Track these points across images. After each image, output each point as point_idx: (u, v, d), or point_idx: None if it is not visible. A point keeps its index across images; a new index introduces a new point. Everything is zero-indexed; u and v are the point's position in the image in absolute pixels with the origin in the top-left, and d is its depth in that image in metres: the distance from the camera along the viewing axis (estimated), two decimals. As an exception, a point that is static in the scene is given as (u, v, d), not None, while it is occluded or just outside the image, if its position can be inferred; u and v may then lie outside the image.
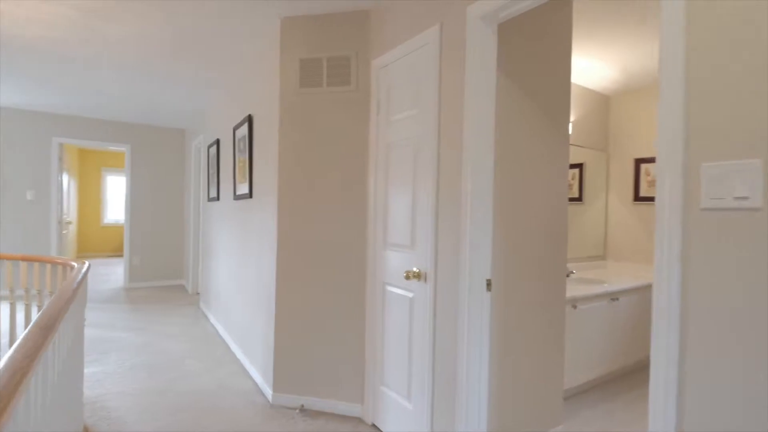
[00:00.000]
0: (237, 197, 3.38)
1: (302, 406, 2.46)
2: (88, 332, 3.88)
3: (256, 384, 2.81)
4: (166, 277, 6.29)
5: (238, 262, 3.41)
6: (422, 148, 1.95)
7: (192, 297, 5.48)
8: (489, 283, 1.69)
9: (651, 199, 3.55)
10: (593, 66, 3.17)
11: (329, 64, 2.43)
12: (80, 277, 1.88)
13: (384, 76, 2.26)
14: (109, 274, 7.10)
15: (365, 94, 2.41)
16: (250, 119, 3.05)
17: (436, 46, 1.84)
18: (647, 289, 3.10)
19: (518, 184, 1.94)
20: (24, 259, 2.48)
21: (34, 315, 3.50)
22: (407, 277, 1.93)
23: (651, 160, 3.57)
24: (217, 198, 4.13)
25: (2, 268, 5.09)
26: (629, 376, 3.03)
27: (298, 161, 2.48)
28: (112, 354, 3.32)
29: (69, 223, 6.73)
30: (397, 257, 2.11)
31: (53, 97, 4.65)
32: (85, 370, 2.97)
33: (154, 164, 6.20)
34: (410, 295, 2.00)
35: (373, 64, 2.36)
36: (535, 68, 1.99)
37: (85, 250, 9.37)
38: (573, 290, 2.68)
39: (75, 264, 2.19)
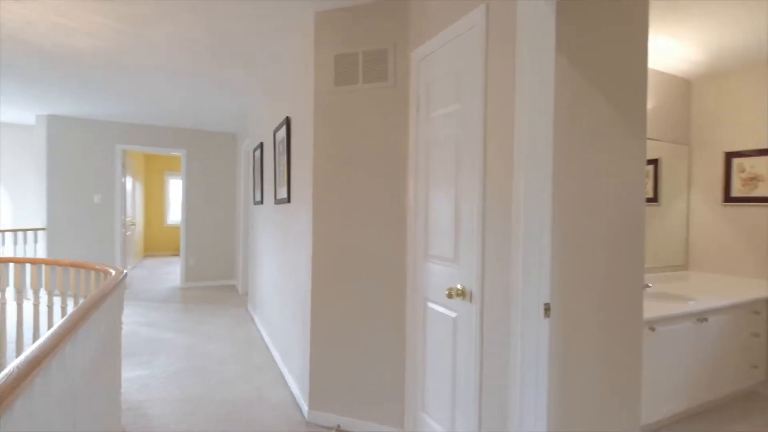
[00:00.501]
0: (277, 201, 3.30)
1: (338, 426, 2.30)
2: (144, 332, 4.01)
3: (293, 396, 2.70)
4: (219, 277, 6.48)
5: (278, 268, 3.34)
6: (465, 147, 1.70)
7: (241, 298, 5.58)
8: (548, 308, 1.41)
9: (746, 199, 3.00)
10: (671, 46, 2.72)
11: (365, 59, 2.24)
12: (109, 286, 1.85)
13: (424, 68, 2.04)
14: (169, 274, 7.46)
15: (403, 89, 2.20)
16: (287, 121, 2.95)
17: (482, 29, 1.59)
18: (743, 307, 2.61)
19: (583, 187, 1.63)
20: (58, 264, 2.55)
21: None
22: (449, 296, 1.69)
23: (746, 154, 3.02)
24: (261, 202, 4.11)
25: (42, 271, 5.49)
26: (720, 411, 2.56)
27: (333, 164, 2.32)
28: (161, 356, 3.39)
29: (132, 224, 7.15)
30: (439, 271, 1.88)
31: (114, 107, 4.90)
32: (134, 373, 3.04)
33: (208, 168, 6.40)
34: (453, 314, 1.76)
35: (412, 55, 2.14)
36: (603, 50, 1.67)
37: (150, 250, 9.99)
38: (651, 308, 2.29)
39: (113, 271, 2.19)
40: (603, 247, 1.69)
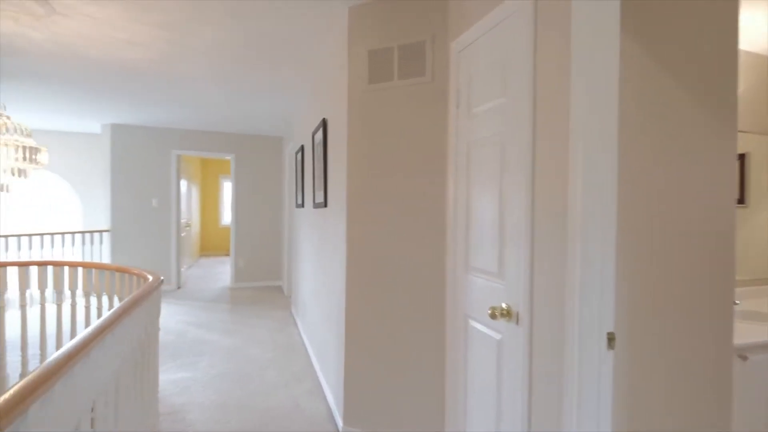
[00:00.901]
0: (315, 205, 3.23)
1: (373, 445, 2.16)
2: (192, 333, 4.12)
3: (329, 408, 2.60)
4: (266, 278, 6.60)
5: (316, 274, 3.27)
6: (511, 145, 1.49)
7: (286, 300, 5.63)
8: (611, 339, 1.18)
9: None
10: (761, 20, 2.30)
11: (401, 54, 2.08)
12: (142, 293, 1.84)
13: (464, 60, 1.84)
14: (221, 273, 7.74)
15: (442, 84, 2.01)
16: (324, 123, 2.86)
17: (530, 11, 1.38)
18: None
19: (657, 189, 1.37)
20: (97, 267, 2.63)
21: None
22: (493, 315, 1.49)
23: None
24: (302, 205, 4.08)
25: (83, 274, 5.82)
26: (830, 456, 2.12)
27: (368, 167, 2.19)
28: (205, 358, 3.44)
29: (188, 226, 7.49)
30: (481, 286, 1.68)
31: (169, 114, 5.11)
32: (178, 375, 3.09)
33: (256, 171, 6.55)
34: (497, 336, 1.56)
35: (451, 47, 1.95)
36: (682, 27, 1.39)
37: (206, 249, 10.47)
38: (741, 332, 1.92)
39: (150, 277, 2.20)
40: (683, 259, 1.41)
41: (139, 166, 5.91)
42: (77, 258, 5.60)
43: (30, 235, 5.05)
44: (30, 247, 5.03)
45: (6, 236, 4.83)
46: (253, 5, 2.27)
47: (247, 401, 2.69)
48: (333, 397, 2.57)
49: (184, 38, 2.70)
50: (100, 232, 5.80)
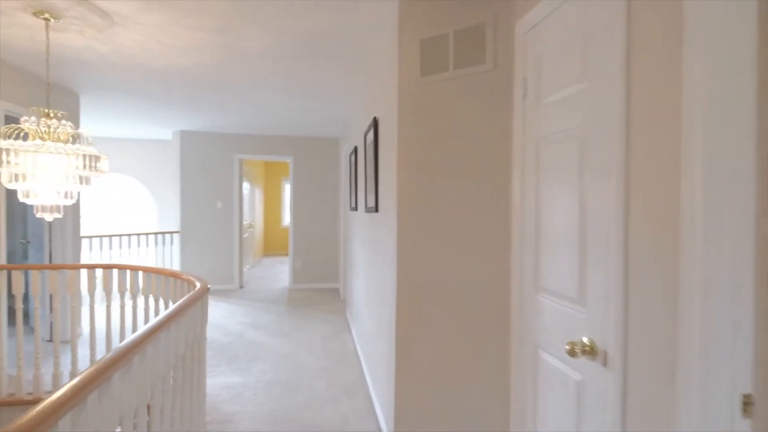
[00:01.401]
0: (367, 209, 3.07)
1: (426, 480, 1.94)
2: (249, 335, 4.16)
3: (379, 429, 2.42)
4: (323, 280, 6.61)
5: (368, 282, 3.11)
6: (595, 139, 1.19)
7: (342, 303, 5.56)
8: (749, 403, 0.85)
9: None
10: None
11: (457, 40, 1.83)
12: (185, 302, 1.78)
13: (532, 42, 1.55)
14: (281, 273, 7.91)
15: (505, 72, 1.74)
16: (375, 123, 2.68)
17: (624, -35, 1.07)
18: None
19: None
20: (152, 272, 2.67)
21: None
22: (572, 352, 1.20)
23: None
24: (356, 208, 3.96)
25: (139, 277, 6.10)
26: None
27: (419, 168, 1.96)
28: (258, 363, 3.42)
29: (250, 227, 7.75)
30: (555, 311, 1.39)
31: (231, 120, 5.26)
32: (231, 380, 3.09)
33: (313, 173, 6.58)
34: (577, 377, 1.26)
35: (516, 28, 1.67)
36: None
37: (269, 249, 10.85)
38: None
39: (198, 284, 2.16)
40: None
41: (204, 170, 6.18)
42: (151, 258, 5.97)
43: (110, 236, 5.45)
44: (110, 247, 5.44)
45: (90, 237, 5.25)
46: (303, 3, 2.15)
47: (295, 413, 2.59)
48: (383, 418, 2.38)
49: (236, 42, 2.66)
50: (171, 233, 6.14)
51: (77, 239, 4.06)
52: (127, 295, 2.85)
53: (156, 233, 6.00)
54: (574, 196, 1.29)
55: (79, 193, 3.50)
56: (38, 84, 3.46)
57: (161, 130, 6.05)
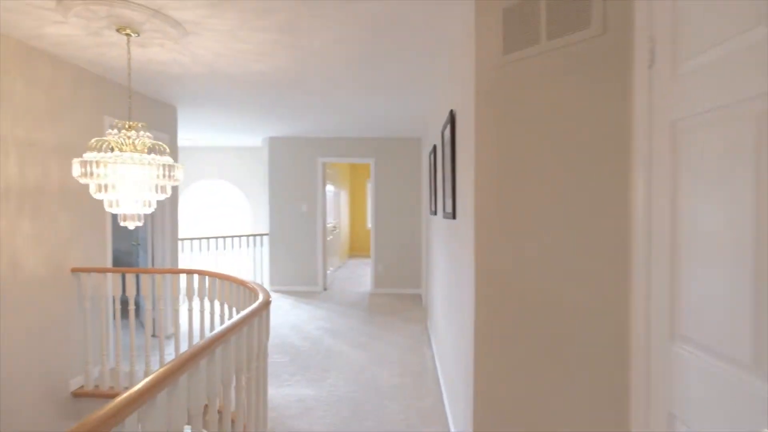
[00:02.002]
0: (445, 215, 2.74)
1: None
2: (326, 342, 4.09)
3: (456, 473, 2.08)
4: (405, 285, 6.39)
5: (446, 295, 2.77)
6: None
7: (423, 312, 5.27)
8: None
9: None
10: None
11: (551, 2, 1.43)
12: (241, 319, 1.65)
13: (666, -17, 1.10)
14: (365, 276, 7.88)
15: (619, 36, 1.29)
16: (451, 117, 2.34)
17: None
18: None
19: None
20: (224, 279, 2.63)
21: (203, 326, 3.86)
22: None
23: None
24: (435, 212, 3.63)
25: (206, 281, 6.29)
26: None
27: (502, 168, 1.59)
28: (332, 374, 3.29)
29: (335, 229, 7.85)
30: (709, 376, 0.93)
31: (314, 124, 5.30)
32: (303, 391, 2.99)
33: (395, 175, 6.39)
34: (750, 490, 0.81)
35: (639, -30, 1.22)
36: None
37: (355, 250, 10.99)
38: None
39: (261, 295, 2.05)
40: None
41: (290, 175, 6.36)
42: (246, 259, 6.31)
43: (208, 238, 5.86)
44: (207, 249, 5.84)
45: (190, 239, 5.70)
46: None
47: (363, 440, 2.37)
48: (461, 461, 2.04)
49: (302, 40, 2.53)
50: (262, 235, 6.43)
51: (175, 242, 4.36)
52: (206, 299, 2.90)
53: (249, 235, 6.32)
54: (747, 199, 0.83)
55: (157, 201, 3.70)
56: (140, 99, 3.76)
57: (253, 137, 6.37)
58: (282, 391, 2.98)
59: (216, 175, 7.58)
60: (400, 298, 6.03)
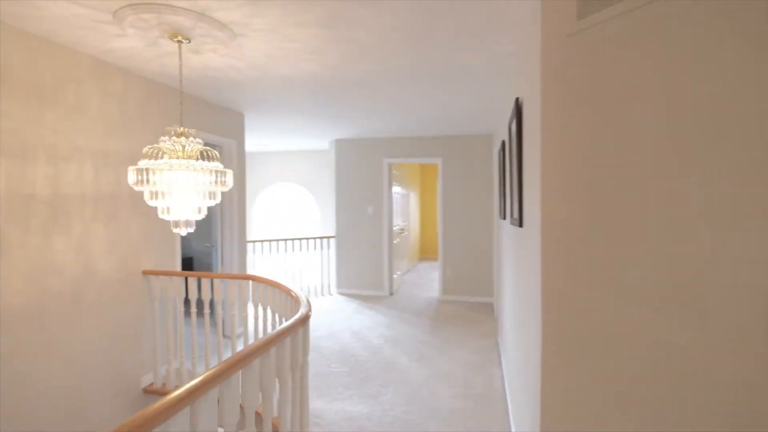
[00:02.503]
0: (512, 221, 2.38)
1: None
2: (386, 352, 3.89)
3: None
4: (475, 293, 5.97)
5: (513, 313, 2.40)
6: None
7: (494, 324, 4.83)
8: None
9: None
10: None
11: (647, -63, 1.05)
12: (275, 335, 1.50)
13: None
14: (434, 282, 7.56)
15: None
16: (517, 106, 1.99)
17: None
18: None
19: None
20: (273, 286, 2.54)
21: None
22: None
23: None
24: (504, 217, 3.24)
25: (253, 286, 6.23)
26: None
27: (577, 165, 1.24)
28: (389, 390, 3.08)
29: (402, 231, 7.64)
30: None
31: (378, 124, 5.15)
32: (356, 408, 2.81)
33: (464, 174, 6.01)
34: None
35: None
36: None
37: (425, 253, 10.69)
38: None
39: (303, 309, 1.90)
40: None
41: (356, 177, 6.29)
42: (313, 262, 6.38)
43: (277, 241, 6.01)
44: (277, 251, 5.99)
45: (261, 241, 5.88)
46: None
47: (415, 474, 2.11)
48: None
49: (347, 33, 2.35)
50: (328, 238, 6.45)
51: (243, 245, 4.48)
52: (259, 305, 2.87)
53: (316, 238, 6.38)
54: None
55: (221, 205, 3.75)
56: (205, 106, 3.89)
57: (320, 140, 6.41)
58: (334, 406, 2.83)
59: (287, 178, 7.81)
60: (469, 306, 5.63)
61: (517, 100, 1.99)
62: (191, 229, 2.43)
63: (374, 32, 2.35)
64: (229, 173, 2.41)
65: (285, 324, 1.70)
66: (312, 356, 3.64)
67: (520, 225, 1.98)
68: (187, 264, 5.59)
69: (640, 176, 1.07)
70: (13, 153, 2.26)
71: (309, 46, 2.55)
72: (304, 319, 1.85)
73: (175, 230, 2.39)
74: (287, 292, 2.39)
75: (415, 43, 2.54)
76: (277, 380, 1.70)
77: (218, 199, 2.45)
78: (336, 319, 4.95)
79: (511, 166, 2.39)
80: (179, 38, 2.32)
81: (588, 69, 1.19)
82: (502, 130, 3.39)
